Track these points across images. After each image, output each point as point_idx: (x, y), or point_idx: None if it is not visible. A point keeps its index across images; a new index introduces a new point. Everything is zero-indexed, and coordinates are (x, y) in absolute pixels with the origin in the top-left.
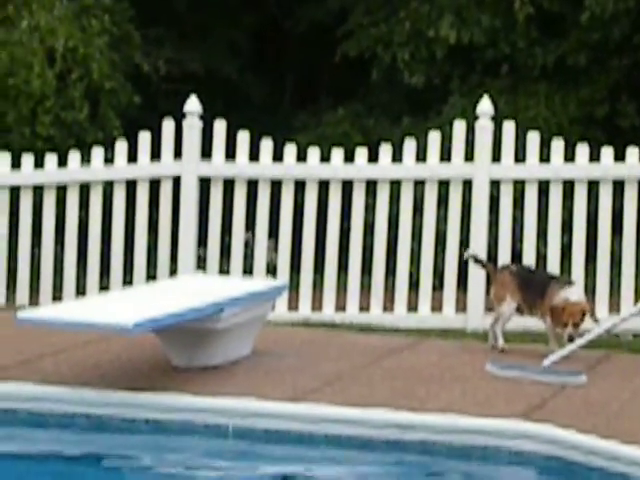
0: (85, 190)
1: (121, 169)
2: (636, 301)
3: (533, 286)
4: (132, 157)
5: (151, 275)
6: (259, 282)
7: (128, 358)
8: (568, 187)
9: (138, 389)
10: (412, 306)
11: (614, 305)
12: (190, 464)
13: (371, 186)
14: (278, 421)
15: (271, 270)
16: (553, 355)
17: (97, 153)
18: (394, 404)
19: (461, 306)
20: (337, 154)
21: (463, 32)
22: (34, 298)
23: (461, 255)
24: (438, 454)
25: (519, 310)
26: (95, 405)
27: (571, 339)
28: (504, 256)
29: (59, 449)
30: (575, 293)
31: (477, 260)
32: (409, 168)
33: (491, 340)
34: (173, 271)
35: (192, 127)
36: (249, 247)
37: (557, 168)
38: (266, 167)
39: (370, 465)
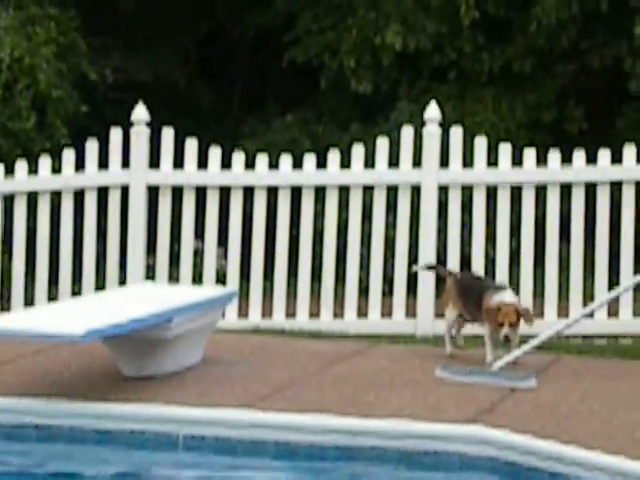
0: (33, 199)
1: (69, 178)
2: (584, 304)
3: (472, 294)
4: (80, 166)
5: (100, 284)
6: (208, 290)
7: (78, 368)
8: (516, 192)
9: (88, 399)
10: (362, 312)
11: (563, 309)
12: (141, 474)
13: (320, 193)
14: (229, 429)
15: (221, 278)
16: (503, 359)
17: (44, 162)
18: (344, 410)
19: (411, 311)
20: (286, 160)
21: (409, 39)
22: None
23: (410, 261)
24: (389, 460)
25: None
26: (44, 415)
27: (507, 339)
28: (453, 261)
29: (7, 460)
30: (508, 296)
31: (430, 267)
32: (357, 174)
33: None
34: (122, 280)
35: (139, 135)
36: (198, 255)
37: (505, 172)
38: (214, 175)
39: (321, 472)
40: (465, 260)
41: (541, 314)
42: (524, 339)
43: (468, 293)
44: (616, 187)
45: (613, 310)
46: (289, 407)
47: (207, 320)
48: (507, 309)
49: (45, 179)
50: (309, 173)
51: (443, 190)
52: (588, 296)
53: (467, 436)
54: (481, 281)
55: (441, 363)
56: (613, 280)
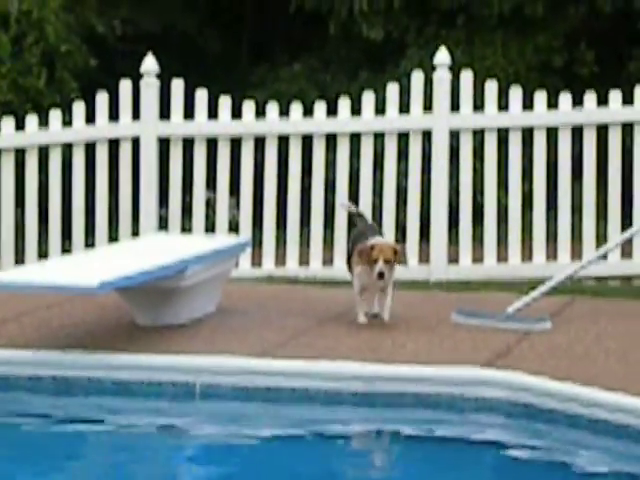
0: (44, 153)
1: (79, 131)
2: (598, 247)
3: (353, 244)
4: (90, 119)
5: (113, 237)
6: (221, 239)
7: (93, 319)
8: (527, 135)
9: (104, 350)
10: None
11: (576, 251)
12: (158, 423)
13: (331, 141)
14: (245, 377)
15: (233, 228)
16: (518, 302)
17: (55, 116)
18: (361, 356)
19: (424, 258)
20: (296, 109)
21: None
22: None
23: (423, 206)
24: (406, 404)
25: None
26: (62, 367)
27: (381, 276)
28: (466, 207)
29: (25, 411)
30: (384, 240)
31: (353, 213)
32: (368, 121)
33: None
34: (135, 232)
35: (149, 87)
36: (211, 205)
37: (516, 116)
38: (225, 125)
39: (339, 418)
40: (477, 206)
41: (554, 257)
42: (539, 282)
43: (355, 244)
44: (628, 129)
45: (627, 251)
46: (304, 354)
47: (221, 269)
48: (383, 246)
49: (56, 132)
50: (320, 121)
51: (454, 136)
52: (601, 238)
53: (483, 379)
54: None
55: (456, 307)
56: (626, 221)
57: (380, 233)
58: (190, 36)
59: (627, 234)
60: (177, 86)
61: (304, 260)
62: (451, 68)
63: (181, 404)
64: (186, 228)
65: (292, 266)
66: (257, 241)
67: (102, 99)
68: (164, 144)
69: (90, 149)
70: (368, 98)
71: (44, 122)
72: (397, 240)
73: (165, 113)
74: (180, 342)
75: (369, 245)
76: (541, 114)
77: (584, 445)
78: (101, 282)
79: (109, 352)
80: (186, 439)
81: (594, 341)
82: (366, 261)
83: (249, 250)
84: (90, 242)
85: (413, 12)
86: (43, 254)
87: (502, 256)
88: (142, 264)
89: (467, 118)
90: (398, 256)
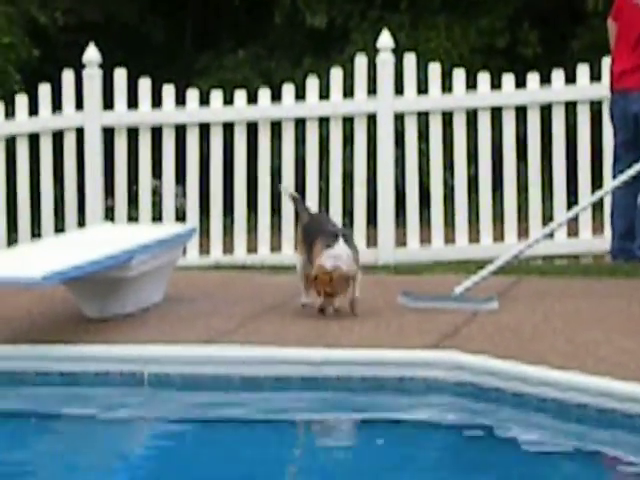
0: None
1: (23, 123)
2: (544, 226)
3: (310, 237)
4: (34, 111)
5: (59, 227)
6: (167, 228)
7: (39, 312)
8: (472, 117)
9: (51, 342)
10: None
11: (522, 231)
12: (107, 414)
13: (276, 128)
14: (194, 366)
15: (180, 216)
16: (464, 283)
17: None
18: (308, 341)
19: (372, 241)
20: (240, 96)
21: None
22: None
23: (369, 190)
24: (354, 388)
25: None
26: (8, 359)
27: (322, 311)
28: (412, 190)
29: None
30: (332, 257)
31: (293, 198)
32: (313, 106)
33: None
34: (81, 222)
35: (92, 77)
36: (157, 194)
37: (459, 97)
38: (170, 113)
39: (288, 403)
40: (423, 189)
41: (501, 237)
42: (487, 263)
43: (308, 236)
44: (571, 108)
45: (573, 230)
46: (252, 341)
47: (167, 258)
48: (323, 278)
49: None
50: (264, 107)
51: (399, 119)
52: (547, 217)
53: (431, 361)
54: (322, 224)
55: (403, 290)
56: (571, 200)
57: (338, 232)
58: (132, 25)
59: (572, 212)
60: (120, 75)
61: (252, 247)
62: (395, 51)
63: (129, 394)
64: (133, 217)
65: (240, 253)
66: (204, 229)
67: (45, 90)
68: (108, 134)
69: (34, 140)
70: (312, 83)
71: None
72: (344, 224)
73: (109, 103)
74: (127, 332)
75: (314, 274)
76: (485, 95)
77: (533, 424)
78: (45, 274)
79: (56, 344)
80: (135, 429)
81: (542, 320)
82: (312, 286)
83: (196, 238)
84: (36, 233)
85: None
86: None
87: (449, 238)
88: (87, 255)
89: (411, 101)
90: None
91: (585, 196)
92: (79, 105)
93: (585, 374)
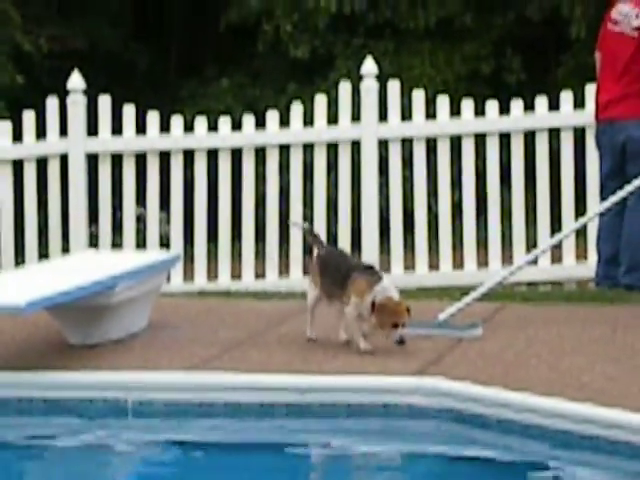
0: None
1: (7, 149)
2: (528, 251)
3: (333, 273)
4: (18, 137)
5: (43, 254)
6: (151, 255)
7: (22, 338)
8: (456, 143)
9: (34, 368)
10: (308, 270)
11: (506, 257)
12: (91, 441)
13: (260, 154)
14: (178, 392)
15: (165, 243)
16: (448, 309)
17: None
18: (292, 368)
19: None
20: (225, 122)
21: (344, 0)
22: None
23: (354, 218)
24: (338, 414)
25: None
26: None
27: (402, 342)
28: (396, 216)
29: None
30: (391, 289)
31: (306, 231)
32: (297, 132)
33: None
34: (65, 249)
35: (76, 103)
36: (141, 221)
37: (443, 124)
38: (154, 140)
39: (273, 430)
40: (407, 215)
41: (485, 263)
42: (471, 289)
43: (329, 272)
44: (555, 134)
45: (556, 256)
46: (237, 367)
47: (151, 285)
48: (398, 309)
49: None
50: (248, 134)
51: (383, 145)
52: (531, 243)
53: (415, 387)
54: (346, 260)
55: None
56: (555, 226)
57: (371, 266)
58: (117, 52)
59: (556, 239)
60: (104, 102)
61: (236, 274)
62: (379, 78)
63: (113, 421)
64: (117, 244)
65: (224, 280)
66: (189, 256)
67: (29, 117)
68: (92, 160)
69: (18, 167)
70: (296, 110)
71: None
72: None
73: (93, 129)
74: (111, 359)
75: (393, 303)
76: (468, 122)
77: (518, 450)
78: (29, 301)
79: (40, 371)
80: (119, 456)
81: (525, 347)
82: (383, 321)
83: (181, 265)
84: (20, 260)
85: (340, 28)
86: None
87: (433, 264)
88: (71, 282)
89: (395, 127)
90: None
91: (569, 222)
92: (63, 131)
93: (568, 400)
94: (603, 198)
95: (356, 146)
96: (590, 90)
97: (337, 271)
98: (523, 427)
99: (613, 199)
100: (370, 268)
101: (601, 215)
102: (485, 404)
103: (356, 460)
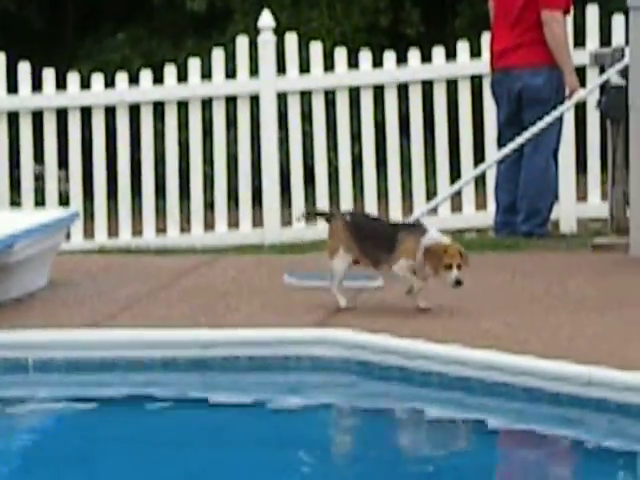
0: None
1: None
2: (427, 202)
3: (373, 237)
4: None
5: None
6: (49, 212)
7: None
8: (354, 96)
9: None
10: (209, 226)
11: (407, 208)
12: None
13: (159, 110)
14: (78, 350)
15: (64, 200)
16: None
17: None
18: (194, 322)
19: (258, 222)
20: (122, 79)
21: None
22: None
23: (254, 171)
24: (241, 368)
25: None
26: None
27: (458, 283)
28: (296, 170)
29: None
30: (440, 236)
31: (316, 214)
32: (195, 87)
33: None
34: None
35: None
36: (40, 179)
37: (342, 76)
38: (50, 97)
39: (175, 385)
40: (307, 169)
41: (386, 215)
42: None
43: (369, 236)
44: (452, 84)
45: (456, 205)
46: (137, 324)
47: (50, 243)
48: (452, 251)
49: None
50: (146, 89)
51: (283, 101)
52: (431, 193)
53: (317, 338)
54: (379, 220)
55: (288, 269)
56: (454, 176)
57: (414, 222)
58: (12, 11)
59: (455, 187)
60: None
61: (137, 230)
62: (277, 31)
63: (14, 380)
64: (15, 202)
65: (125, 237)
66: (89, 213)
67: None
68: None
69: None
70: (194, 64)
71: None
72: (229, 207)
73: None
74: (11, 318)
75: (441, 249)
76: (367, 73)
77: (417, 397)
78: None
79: None
80: (20, 414)
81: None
82: (435, 264)
83: (81, 222)
84: None
85: None
86: None
87: None
88: None
89: (293, 80)
90: (464, 259)
91: (468, 172)
92: None
93: (467, 347)
94: (501, 146)
95: (255, 101)
96: (486, 39)
97: (378, 234)
98: (423, 374)
99: (510, 146)
100: (413, 225)
101: (499, 164)
102: (378, 352)
103: (259, 414)
